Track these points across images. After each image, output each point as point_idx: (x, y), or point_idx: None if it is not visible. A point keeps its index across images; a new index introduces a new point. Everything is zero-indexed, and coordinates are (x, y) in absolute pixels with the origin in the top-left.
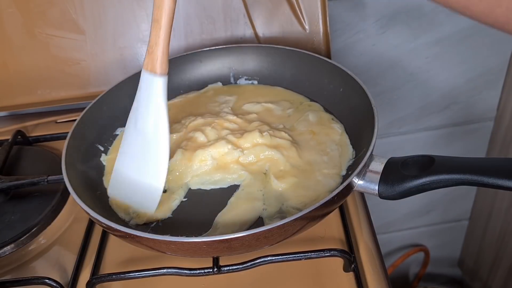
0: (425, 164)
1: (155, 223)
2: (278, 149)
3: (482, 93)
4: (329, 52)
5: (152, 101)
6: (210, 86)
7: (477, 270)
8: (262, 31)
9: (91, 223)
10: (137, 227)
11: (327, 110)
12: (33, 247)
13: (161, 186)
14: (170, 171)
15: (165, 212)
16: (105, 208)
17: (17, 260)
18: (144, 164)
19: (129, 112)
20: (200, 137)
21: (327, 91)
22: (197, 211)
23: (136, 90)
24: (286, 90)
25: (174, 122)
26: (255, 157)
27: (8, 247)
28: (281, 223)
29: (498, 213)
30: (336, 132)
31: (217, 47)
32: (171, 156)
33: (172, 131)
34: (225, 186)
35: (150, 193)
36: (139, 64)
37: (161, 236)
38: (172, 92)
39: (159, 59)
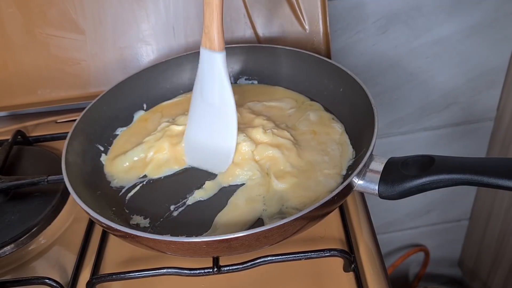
0: (425, 164)
1: (158, 222)
2: (279, 149)
3: (482, 93)
4: (329, 52)
5: (215, 74)
6: None
7: (477, 270)
8: (262, 31)
9: (91, 223)
10: (137, 227)
11: (327, 110)
12: (33, 247)
13: (233, 145)
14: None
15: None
16: (105, 208)
17: (17, 260)
18: (215, 129)
19: (129, 112)
20: None
21: (327, 91)
22: (197, 211)
23: (136, 90)
24: (287, 89)
25: (178, 115)
26: (258, 155)
27: (8, 247)
28: (281, 223)
29: (498, 213)
30: (336, 132)
31: None
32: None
33: (177, 122)
34: (238, 183)
35: (223, 154)
36: (139, 64)
37: (161, 236)
38: (172, 92)
39: (216, 38)
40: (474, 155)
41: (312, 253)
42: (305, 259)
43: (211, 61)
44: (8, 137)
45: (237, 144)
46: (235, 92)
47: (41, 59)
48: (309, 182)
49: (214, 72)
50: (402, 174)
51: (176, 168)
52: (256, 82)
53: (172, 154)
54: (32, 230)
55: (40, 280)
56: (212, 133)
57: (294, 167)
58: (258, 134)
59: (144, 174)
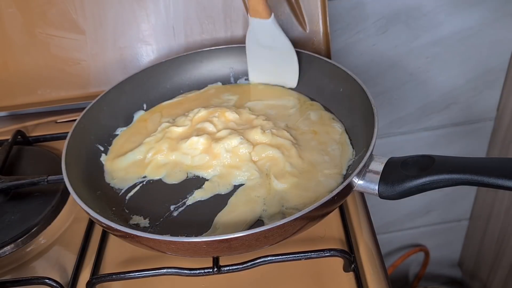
0: (425, 164)
1: (159, 222)
2: (279, 149)
3: (482, 93)
4: (329, 52)
5: (271, 35)
6: (210, 86)
7: (477, 270)
8: None
9: (91, 223)
10: (137, 227)
11: (327, 110)
12: (33, 247)
13: (296, 61)
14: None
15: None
16: (105, 208)
17: (17, 260)
18: (277, 58)
19: (129, 112)
20: (209, 127)
21: (327, 91)
22: (197, 211)
23: (136, 90)
24: (287, 89)
25: (178, 115)
26: (257, 155)
27: (8, 247)
28: (281, 223)
29: (498, 213)
30: (336, 132)
31: (217, 47)
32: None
33: (177, 124)
34: (236, 183)
35: (289, 70)
36: (139, 64)
37: (161, 236)
38: (172, 92)
39: (262, 9)
40: (474, 155)
41: (312, 253)
42: (305, 259)
43: (263, 27)
44: (8, 137)
45: (234, 147)
46: (236, 92)
47: (41, 59)
48: (309, 182)
49: (269, 33)
50: (402, 174)
51: (176, 171)
52: None
53: (170, 158)
54: (32, 230)
55: (40, 280)
56: (275, 62)
57: (294, 167)
58: (256, 134)
59: (144, 175)
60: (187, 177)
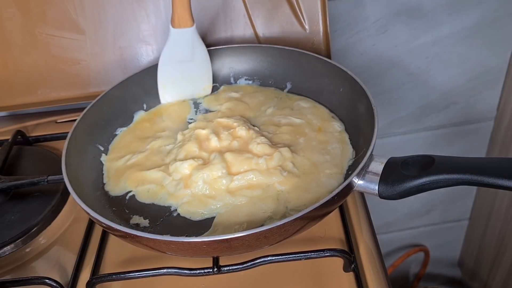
0: (425, 164)
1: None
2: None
3: (482, 93)
4: (329, 52)
5: (191, 44)
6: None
7: (477, 270)
8: (262, 31)
9: (91, 223)
10: (137, 227)
11: (329, 110)
12: (33, 247)
13: (210, 68)
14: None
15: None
16: (105, 208)
17: (17, 260)
18: (192, 71)
19: (129, 112)
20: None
21: (327, 91)
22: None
23: (136, 90)
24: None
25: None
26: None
27: (8, 247)
28: (281, 223)
29: (498, 213)
30: (336, 131)
31: (217, 47)
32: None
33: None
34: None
35: (204, 78)
36: (139, 64)
37: (161, 236)
38: None
39: (188, 16)
40: (474, 155)
41: (312, 253)
42: (305, 259)
43: (185, 36)
44: (8, 137)
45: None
46: (235, 92)
47: (41, 59)
48: (311, 183)
49: (189, 42)
50: (402, 174)
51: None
52: (255, 82)
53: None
54: (32, 230)
55: (40, 280)
56: (190, 73)
57: (296, 169)
58: (249, 165)
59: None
60: None
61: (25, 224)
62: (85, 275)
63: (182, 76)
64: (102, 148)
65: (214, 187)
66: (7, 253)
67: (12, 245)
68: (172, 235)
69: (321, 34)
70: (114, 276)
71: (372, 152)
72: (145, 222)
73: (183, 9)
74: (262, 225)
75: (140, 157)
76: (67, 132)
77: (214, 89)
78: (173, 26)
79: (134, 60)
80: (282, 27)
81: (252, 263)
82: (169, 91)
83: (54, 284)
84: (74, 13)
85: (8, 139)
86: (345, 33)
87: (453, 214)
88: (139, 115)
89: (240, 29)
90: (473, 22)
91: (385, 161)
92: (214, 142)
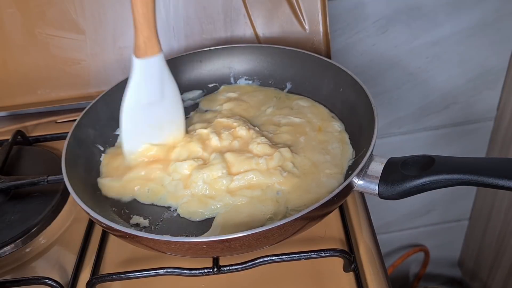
0: (425, 164)
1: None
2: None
3: (482, 93)
4: (329, 52)
5: (160, 74)
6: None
7: (477, 270)
8: (262, 31)
9: (91, 223)
10: (137, 227)
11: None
12: (33, 247)
13: (182, 106)
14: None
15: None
16: (105, 208)
17: (17, 260)
18: (161, 112)
19: None
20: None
21: (327, 91)
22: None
23: None
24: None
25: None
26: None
27: (8, 247)
28: (281, 223)
29: (498, 213)
30: (336, 130)
31: (217, 47)
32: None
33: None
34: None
35: (175, 120)
36: None
37: (161, 236)
38: None
39: (155, 41)
40: (474, 155)
41: (312, 253)
42: (305, 259)
43: (152, 66)
44: (8, 137)
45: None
46: (235, 92)
47: (41, 59)
48: (311, 183)
49: (157, 74)
50: (402, 174)
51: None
52: (255, 82)
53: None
54: (32, 230)
55: (40, 280)
56: (159, 114)
57: (296, 169)
58: (256, 149)
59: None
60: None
61: (25, 224)
62: (85, 275)
63: (150, 122)
64: (102, 148)
65: (214, 187)
66: (7, 253)
67: (12, 245)
68: (172, 235)
69: (321, 34)
70: (114, 276)
71: (372, 152)
72: (145, 222)
73: (149, 31)
74: (262, 225)
75: None
76: (67, 132)
77: (214, 89)
78: (137, 56)
79: None
80: (282, 27)
81: (252, 263)
82: (134, 139)
83: (54, 284)
84: (74, 13)
85: (8, 139)
86: (345, 33)
87: (453, 214)
88: None
89: (240, 29)
90: (473, 22)
91: (385, 161)
92: (215, 142)
